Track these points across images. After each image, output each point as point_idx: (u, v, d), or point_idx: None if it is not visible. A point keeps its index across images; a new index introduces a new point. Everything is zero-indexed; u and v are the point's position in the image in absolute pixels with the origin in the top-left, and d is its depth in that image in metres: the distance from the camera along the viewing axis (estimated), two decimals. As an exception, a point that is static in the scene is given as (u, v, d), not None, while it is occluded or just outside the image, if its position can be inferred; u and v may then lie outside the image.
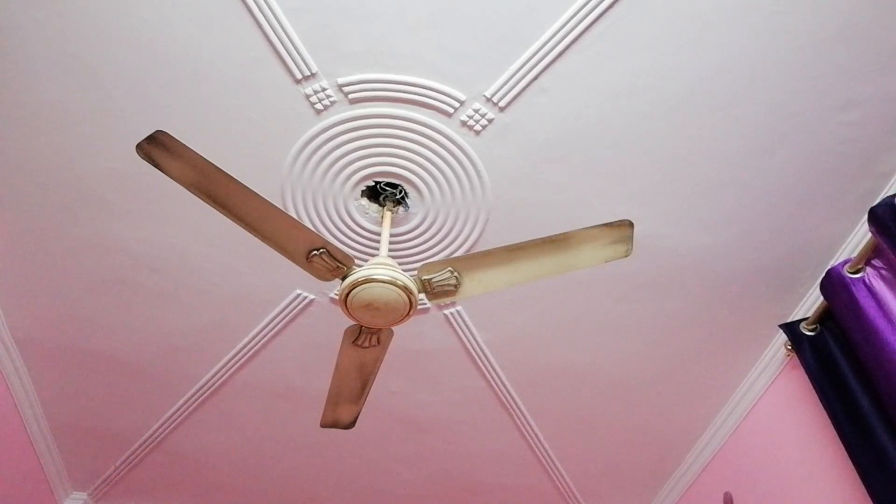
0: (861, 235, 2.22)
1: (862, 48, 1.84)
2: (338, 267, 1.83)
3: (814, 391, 2.34)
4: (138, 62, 1.92)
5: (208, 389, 2.95)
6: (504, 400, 2.97)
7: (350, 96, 2.00)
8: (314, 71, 1.94)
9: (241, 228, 1.78)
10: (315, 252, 1.80)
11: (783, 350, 2.58)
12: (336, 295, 2.55)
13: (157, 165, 1.64)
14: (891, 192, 2.11)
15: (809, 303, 2.48)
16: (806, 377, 2.39)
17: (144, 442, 3.20)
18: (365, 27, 1.85)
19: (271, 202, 1.72)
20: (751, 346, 2.70)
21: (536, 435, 3.13)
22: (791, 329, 2.45)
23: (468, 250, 2.36)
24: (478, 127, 2.06)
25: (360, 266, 1.84)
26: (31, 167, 2.19)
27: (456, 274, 1.84)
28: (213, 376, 2.90)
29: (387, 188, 2.22)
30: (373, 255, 2.31)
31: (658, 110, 2.00)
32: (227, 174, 1.67)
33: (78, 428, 3.14)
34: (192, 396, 2.99)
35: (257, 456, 3.32)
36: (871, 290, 2.11)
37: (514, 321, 2.65)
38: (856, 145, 2.05)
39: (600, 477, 3.34)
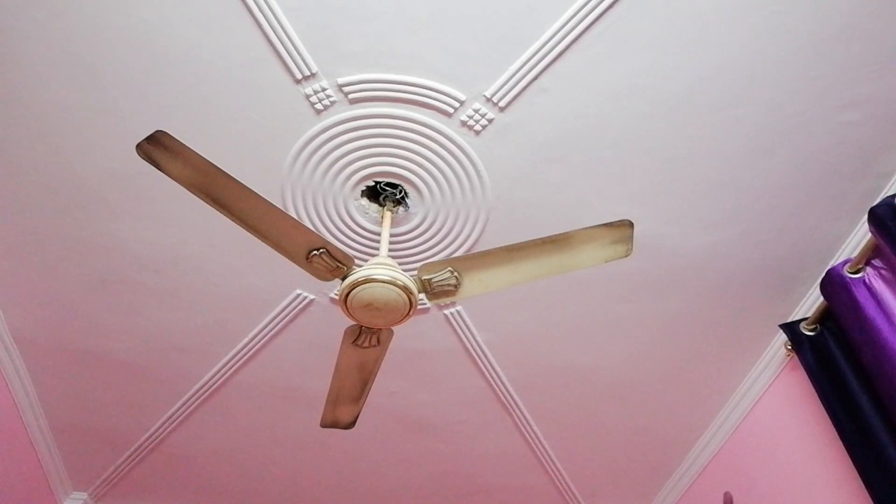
0: (861, 235, 2.22)
1: (862, 48, 1.84)
2: (338, 267, 1.83)
3: (814, 391, 2.34)
4: (138, 62, 1.92)
5: (208, 389, 2.95)
6: (504, 400, 2.97)
7: (350, 96, 2.00)
8: (314, 71, 1.94)
9: (241, 228, 1.78)
10: (315, 252, 1.80)
11: (783, 350, 2.58)
12: (336, 295, 2.55)
13: (157, 165, 1.64)
14: (891, 192, 2.11)
15: (809, 303, 2.48)
16: (806, 377, 2.39)
17: (144, 442, 3.20)
18: (365, 27, 1.85)
19: (271, 202, 1.72)
20: (751, 346, 2.70)
21: (536, 435, 3.13)
22: (791, 329, 2.45)
23: (468, 250, 2.36)
24: (478, 127, 2.06)
25: (360, 266, 1.84)
26: (31, 167, 2.19)
27: (456, 274, 1.84)
28: (213, 376, 2.90)
29: (387, 188, 2.22)
30: (373, 255, 2.31)
31: (658, 110, 2.00)
32: (227, 174, 1.67)
33: (78, 428, 3.14)
34: (192, 396, 2.98)
35: (257, 456, 3.32)
36: (871, 290, 2.11)
37: (514, 321, 2.65)
38: (856, 145, 2.05)
39: (600, 477, 3.34)
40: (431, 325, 2.66)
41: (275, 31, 1.85)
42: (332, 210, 2.28)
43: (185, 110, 2.03)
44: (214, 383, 2.93)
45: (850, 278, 2.15)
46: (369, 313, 1.84)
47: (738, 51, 1.86)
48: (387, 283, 1.78)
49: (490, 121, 2.04)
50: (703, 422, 3.03)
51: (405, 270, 1.90)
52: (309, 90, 1.98)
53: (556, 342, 2.73)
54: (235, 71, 1.94)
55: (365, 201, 2.27)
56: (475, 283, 1.87)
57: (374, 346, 2.02)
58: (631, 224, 1.78)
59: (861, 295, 2.11)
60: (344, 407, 2.24)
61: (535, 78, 1.93)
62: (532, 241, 1.80)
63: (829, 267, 2.28)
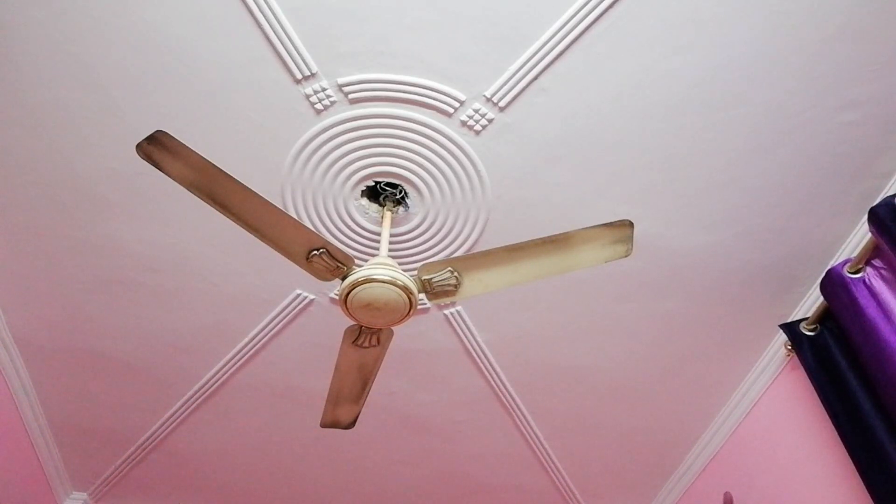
0: (861, 235, 2.22)
1: (862, 48, 1.84)
2: (338, 267, 1.83)
3: (814, 391, 2.34)
4: (138, 62, 1.92)
5: (208, 389, 2.95)
6: (504, 400, 2.97)
7: (350, 96, 2.00)
8: (314, 71, 1.94)
9: (241, 228, 1.78)
10: (315, 252, 1.80)
11: (783, 350, 2.58)
12: (336, 295, 2.55)
13: (157, 165, 1.64)
14: (891, 192, 2.11)
15: (809, 303, 2.48)
16: (806, 377, 2.39)
17: (144, 442, 3.20)
18: (365, 27, 1.85)
19: (271, 202, 1.72)
20: (751, 346, 2.70)
21: (536, 435, 3.13)
22: (791, 329, 2.45)
23: (468, 250, 2.36)
24: (478, 127, 2.06)
25: (360, 266, 1.84)
26: (31, 167, 2.19)
27: (456, 274, 1.84)
28: (213, 376, 2.90)
29: (387, 188, 2.22)
30: (373, 255, 2.31)
31: (658, 110, 2.00)
32: (227, 174, 1.67)
33: (78, 428, 3.14)
34: (192, 396, 2.99)
35: (257, 456, 3.32)
36: (871, 290, 2.11)
37: (514, 321, 2.65)
38: (856, 145, 2.05)
39: (600, 477, 3.34)
40: (431, 325, 2.66)
41: (275, 31, 1.85)
42: (332, 210, 2.28)
43: (185, 110, 2.03)
44: (214, 383, 2.93)
45: (850, 278, 2.15)
46: (369, 313, 1.84)
47: (737, 51, 1.86)
48: (387, 283, 1.78)
49: (490, 121, 2.04)
50: (703, 422, 3.03)
51: (405, 270, 1.90)
52: (309, 90, 1.98)
53: (556, 342, 2.73)
54: (235, 71, 1.94)
55: (365, 201, 2.27)
56: (475, 283, 1.87)
57: (374, 346, 2.02)
58: (631, 224, 1.78)
59: (861, 295, 2.11)
60: (344, 407, 2.24)
61: (535, 78, 1.93)
62: (532, 241, 1.80)
63: (829, 267, 2.27)
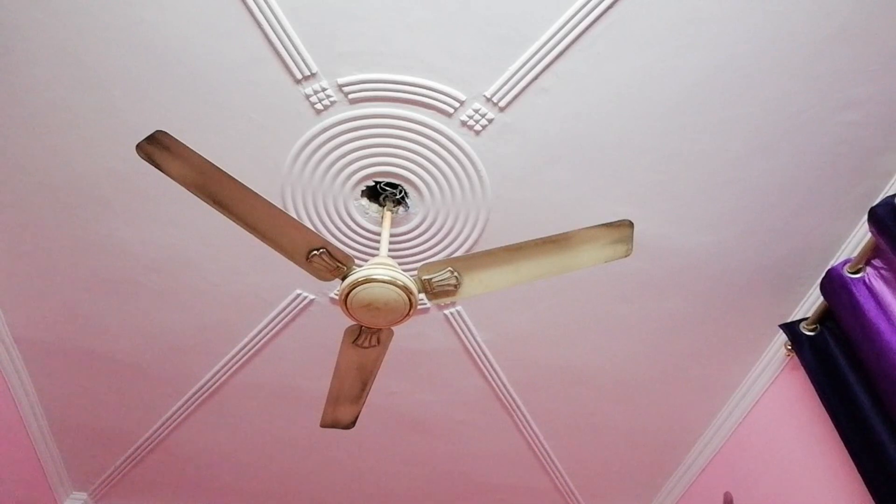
0: (861, 235, 2.22)
1: (862, 48, 1.84)
2: (338, 267, 1.83)
3: (814, 391, 2.34)
4: (138, 62, 1.92)
5: (208, 389, 2.95)
6: (504, 400, 2.97)
7: (350, 96, 2.00)
8: (314, 71, 1.94)
9: (241, 228, 1.78)
10: (315, 252, 1.80)
11: (783, 350, 2.58)
12: (336, 295, 2.55)
13: (157, 165, 1.64)
14: (891, 192, 2.11)
15: (809, 303, 2.48)
16: (806, 377, 2.39)
17: (144, 442, 3.20)
18: (365, 27, 1.85)
19: (271, 202, 1.72)
20: (751, 346, 2.70)
21: (536, 435, 3.13)
22: (791, 329, 2.45)
23: (468, 250, 2.36)
24: (478, 127, 2.06)
25: (360, 266, 1.84)
26: (31, 167, 2.19)
27: (456, 274, 1.84)
28: (213, 376, 2.90)
29: (387, 188, 2.22)
30: (373, 255, 2.31)
31: (658, 110, 2.00)
32: (227, 174, 1.67)
33: (78, 428, 3.14)
34: (192, 396, 2.99)
35: (257, 456, 3.32)
36: (871, 290, 2.11)
37: (514, 321, 2.65)
38: (856, 145, 2.05)
39: (600, 477, 3.34)
40: (431, 325, 2.66)
41: (275, 31, 1.85)
42: (332, 210, 2.28)
43: (185, 110, 2.03)
44: (214, 383, 2.93)
45: (850, 278, 2.15)
46: (369, 313, 1.84)
47: (738, 51, 1.86)
48: (387, 283, 1.78)
49: (490, 121, 2.04)
50: (703, 422, 3.03)
51: (405, 270, 1.90)
52: (309, 90, 1.98)
53: (556, 342, 2.73)
54: (235, 71, 1.94)
55: (365, 201, 2.27)
56: (475, 283, 1.87)
57: (374, 346, 2.02)
58: (631, 224, 1.78)
59: (861, 295, 2.11)
60: (344, 407, 2.24)
61: (535, 78, 1.93)
62: (532, 241, 1.80)
63: (829, 267, 2.27)
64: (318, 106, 2.02)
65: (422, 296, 1.87)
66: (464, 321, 2.65)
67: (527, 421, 3.07)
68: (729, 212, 2.24)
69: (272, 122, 2.06)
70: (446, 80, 1.96)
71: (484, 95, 1.98)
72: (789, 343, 2.48)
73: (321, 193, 2.24)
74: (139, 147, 1.61)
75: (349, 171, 2.18)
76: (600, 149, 2.10)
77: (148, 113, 2.04)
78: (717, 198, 2.21)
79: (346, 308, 1.84)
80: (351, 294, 1.80)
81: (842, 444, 2.19)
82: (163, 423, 3.11)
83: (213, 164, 1.65)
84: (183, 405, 3.03)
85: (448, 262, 1.83)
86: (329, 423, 2.31)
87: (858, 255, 2.14)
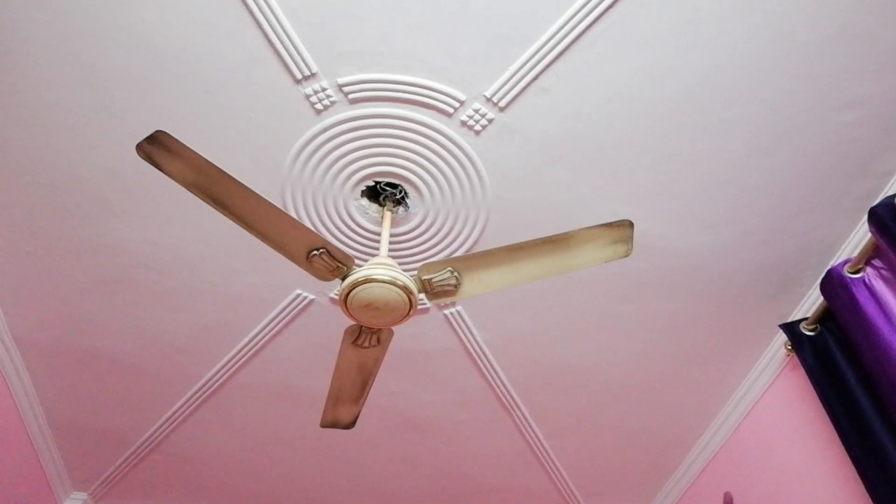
0: (861, 235, 2.22)
1: (862, 48, 1.84)
2: (338, 267, 1.83)
3: (814, 391, 2.34)
4: (138, 62, 1.92)
5: (208, 389, 2.95)
6: (504, 400, 2.97)
7: (350, 96, 2.00)
8: (314, 71, 1.94)
9: (241, 228, 1.78)
10: (315, 252, 1.80)
11: (783, 350, 2.58)
12: (336, 295, 2.55)
13: (157, 165, 1.64)
14: (891, 192, 2.11)
15: (809, 303, 2.48)
16: (806, 377, 2.39)
17: (144, 442, 3.20)
18: (365, 27, 1.85)
19: (271, 202, 1.72)
20: (751, 346, 2.70)
21: (536, 435, 3.13)
22: (791, 329, 2.45)
23: (468, 250, 2.36)
24: (478, 127, 2.06)
25: (360, 266, 1.84)
26: (31, 167, 2.19)
27: (456, 274, 1.84)
28: (213, 376, 2.90)
29: (387, 188, 2.22)
30: (373, 255, 2.31)
31: (658, 110, 2.00)
32: (227, 174, 1.67)
33: (78, 428, 3.14)
34: (192, 396, 2.99)
35: (257, 456, 3.32)
36: (871, 290, 2.11)
37: (514, 321, 2.65)
38: (856, 145, 2.05)
39: (600, 477, 3.34)
40: (431, 325, 2.66)
41: (275, 31, 1.85)
42: (332, 210, 2.28)
43: (185, 110, 2.03)
44: (214, 383, 2.93)
45: (850, 278, 2.15)
46: (369, 313, 1.84)
47: (738, 51, 1.86)
48: (387, 283, 1.78)
49: (490, 121, 2.04)
50: (703, 422, 3.03)
51: (405, 270, 1.90)
52: (309, 90, 1.98)
53: (556, 342, 2.73)
54: (235, 71, 1.94)
55: (365, 201, 2.27)
56: (475, 283, 1.87)
57: (374, 346, 2.02)
58: (631, 224, 1.78)
59: (861, 295, 2.11)
60: (344, 407, 2.24)
61: (535, 78, 1.93)
62: (532, 241, 1.80)
63: (829, 267, 2.28)
64: (318, 106, 2.02)
65: (422, 296, 1.87)
66: (464, 321, 2.65)
67: (527, 421, 3.07)
68: (729, 212, 2.24)
69: (272, 122, 2.06)
70: (446, 80, 1.96)
71: (484, 95, 1.98)
72: (789, 343, 2.48)
73: (321, 193, 2.24)
74: (139, 147, 1.61)
75: (349, 171, 2.18)
76: (600, 149, 2.10)
77: (148, 113, 2.04)
78: (717, 198, 2.21)
79: (346, 308, 1.84)
80: (351, 294, 1.80)
81: (841, 444, 2.19)
82: (163, 424, 3.11)
83: (213, 164, 1.65)
84: (183, 405, 3.03)
85: (448, 262, 1.83)
86: (329, 423, 2.31)
87: (858, 255, 2.14)
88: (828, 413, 2.25)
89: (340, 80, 1.96)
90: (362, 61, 1.92)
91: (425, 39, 1.87)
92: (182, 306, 2.63)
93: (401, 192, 2.23)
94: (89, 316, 2.67)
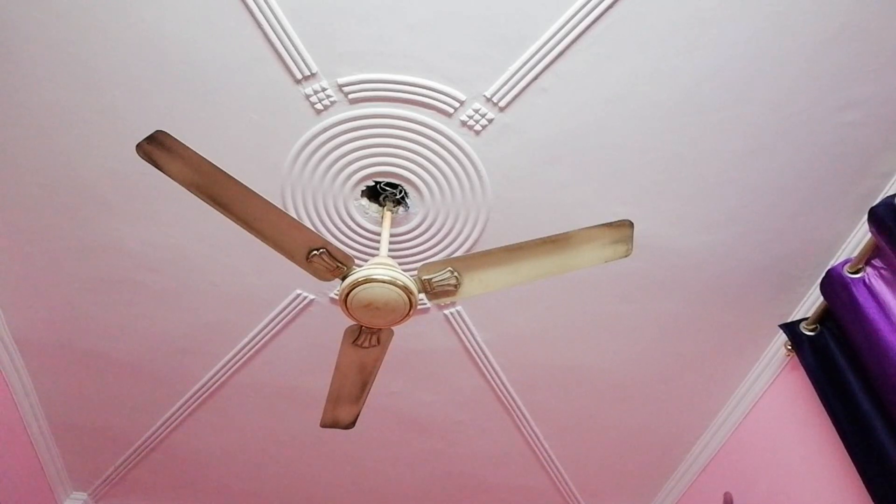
0: (861, 235, 2.22)
1: (862, 48, 1.84)
2: (338, 267, 1.83)
3: (814, 391, 2.34)
4: (138, 62, 1.92)
5: (208, 389, 2.95)
6: (504, 400, 2.97)
7: (350, 96, 2.00)
8: (314, 71, 1.94)
9: (241, 228, 1.78)
10: (315, 252, 1.80)
11: (783, 350, 2.58)
12: (336, 295, 2.55)
13: (157, 165, 1.64)
14: (891, 192, 2.11)
15: (809, 303, 2.48)
16: (806, 377, 2.39)
17: (144, 442, 3.20)
18: (365, 27, 1.85)
19: (271, 202, 1.72)
20: (751, 346, 2.70)
21: (536, 435, 3.13)
22: (791, 329, 2.45)
23: (468, 250, 2.36)
24: (478, 127, 2.06)
25: (360, 266, 1.84)
26: (31, 167, 2.19)
27: (456, 274, 1.84)
28: (213, 376, 2.90)
29: (387, 188, 2.22)
30: (373, 255, 2.31)
31: (658, 110, 2.00)
32: (227, 174, 1.67)
33: (78, 428, 3.14)
34: (192, 396, 2.99)
35: (257, 456, 3.32)
36: (871, 290, 2.10)
37: (514, 321, 2.65)
38: (856, 145, 2.05)
39: (600, 477, 3.34)
40: (431, 325, 2.66)
41: (275, 31, 1.85)
42: (332, 210, 2.28)
43: (185, 110, 2.03)
44: (214, 383, 2.93)
45: (850, 278, 2.15)
46: (369, 313, 1.84)
47: (738, 51, 1.86)
48: (387, 283, 1.78)
49: (490, 121, 2.04)
50: (703, 422, 3.03)
51: (405, 270, 1.90)
52: (309, 90, 1.98)
53: (556, 342, 2.73)
54: (235, 71, 1.94)
55: (365, 201, 2.27)
56: (475, 283, 1.87)
57: (374, 346, 2.02)
58: (631, 224, 1.78)
59: (861, 295, 2.11)
60: (344, 407, 2.24)
61: (535, 78, 1.93)
62: (532, 241, 1.80)
63: (829, 267, 2.27)
64: (318, 106, 2.02)
65: (422, 296, 1.87)
66: (464, 321, 2.65)
67: (527, 421, 3.07)
68: (729, 212, 2.24)
69: (272, 122, 2.06)
70: (446, 80, 1.96)
71: (484, 95, 1.98)
72: (789, 343, 2.48)
73: (321, 193, 2.24)
74: (139, 147, 1.61)
75: (349, 171, 2.18)
76: (600, 149, 2.10)
77: (148, 113, 2.04)
78: (717, 198, 2.21)
79: (346, 308, 1.84)
80: (351, 294, 1.80)
81: (841, 444, 2.19)
82: (163, 424, 3.11)
83: (213, 164, 1.65)
84: (183, 405, 3.03)
85: (448, 262, 1.84)
86: (329, 423, 2.31)
87: (858, 255, 2.14)
88: (828, 413, 2.25)
89: (340, 80, 1.96)
90: (362, 61, 1.92)
91: (425, 39, 1.87)
92: (182, 306, 2.63)
93: (401, 192, 2.23)
94: (89, 316, 2.67)
